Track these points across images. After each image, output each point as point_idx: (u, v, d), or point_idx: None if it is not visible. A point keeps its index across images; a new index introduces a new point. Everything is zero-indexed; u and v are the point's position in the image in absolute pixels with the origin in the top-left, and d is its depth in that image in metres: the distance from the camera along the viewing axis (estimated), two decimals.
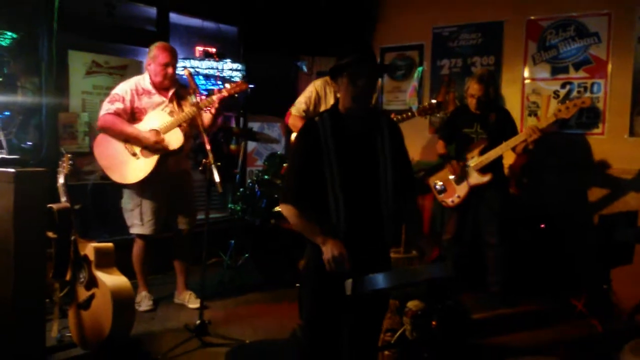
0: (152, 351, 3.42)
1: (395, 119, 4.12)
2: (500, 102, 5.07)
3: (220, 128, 5.34)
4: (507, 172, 4.78)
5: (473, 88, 4.26)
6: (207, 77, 5.61)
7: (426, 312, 2.87)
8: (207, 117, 3.96)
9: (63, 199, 3.33)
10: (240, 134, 5.36)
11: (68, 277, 3.31)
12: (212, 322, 3.69)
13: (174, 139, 3.87)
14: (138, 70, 5.00)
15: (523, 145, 4.12)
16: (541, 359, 2.51)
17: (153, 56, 3.96)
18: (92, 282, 3.23)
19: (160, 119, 3.90)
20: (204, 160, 3.59)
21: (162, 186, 4.00)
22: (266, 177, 4.85)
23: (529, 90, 5.06)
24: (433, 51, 5.62)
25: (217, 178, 3.49)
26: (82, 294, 3.26)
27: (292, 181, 2.37)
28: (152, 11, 5.17)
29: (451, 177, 4.39)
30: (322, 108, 4.22)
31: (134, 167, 3.88)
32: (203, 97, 3.90)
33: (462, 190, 4.35)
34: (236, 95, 3.98)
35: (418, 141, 5.54)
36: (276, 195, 4.55)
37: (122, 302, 3.17)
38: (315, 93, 4.38)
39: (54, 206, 3.18)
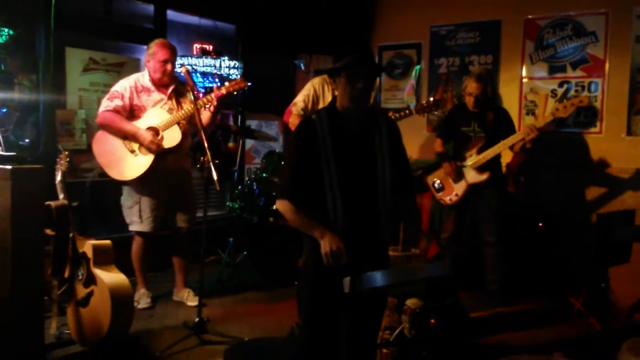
0: (151, 348, 3.43)
1: (393, 117, 4.12)
2: (498, 101, 5.07)
3: (218, 126, 5.33)
4: (505, 171, 4.78)
5: (471, 87, 4.25)
6: (204, 74, 5.59)
7: (424, 310, 2.87)
8: (205, 114, 3.96)
9: (61, 196, 3.32)
10: (238, 132, 5.35)
11: (66, 274, 3.30)
12: (210, 319, 3.69)
13: (172, 137, 3.87)
14: (135, 67, 4.99)
15: (521, 144, 4.13)
16: (539, 358, 2.51)
17: (152, 53, 3.96)
18: (91, 280, 3.23)
19: (159, 117, 3.90)
20: (202, 158, 3.59)
21: (162, 184, 4.00)
22: (264, 175, 4.84)
23: (526, 89, 5.06)
24: (431, 50, 5.62)
25: (215, 176, 3.48)
26: (81, 291, 3.26)
27: (289, 177, 2.36)
28: (150, 8, 5.15)
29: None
30: (320, 106, 4.22)
31: (132, 164, 3.88)
32: (201, 95, 3.89)
33: (460, 188, 4.36)
34: (235, 93, 3.98)
35: (416, 139, 5.55)
36: (274, 193, 4.55)
37: (121, 300, 3.17)
38: (313, 91, 4.38)
39: (52, 203, 3.16)
